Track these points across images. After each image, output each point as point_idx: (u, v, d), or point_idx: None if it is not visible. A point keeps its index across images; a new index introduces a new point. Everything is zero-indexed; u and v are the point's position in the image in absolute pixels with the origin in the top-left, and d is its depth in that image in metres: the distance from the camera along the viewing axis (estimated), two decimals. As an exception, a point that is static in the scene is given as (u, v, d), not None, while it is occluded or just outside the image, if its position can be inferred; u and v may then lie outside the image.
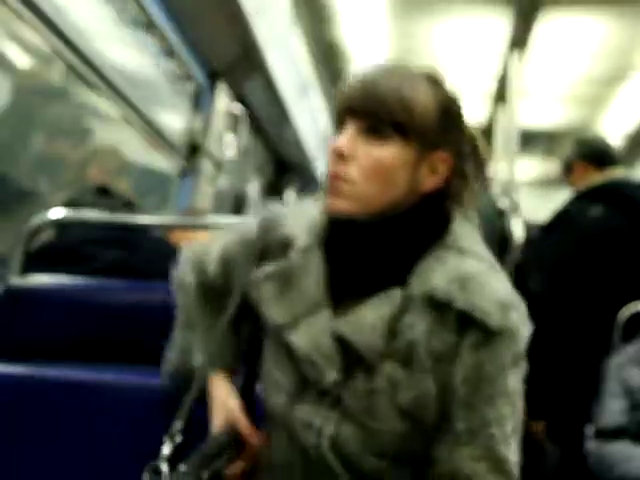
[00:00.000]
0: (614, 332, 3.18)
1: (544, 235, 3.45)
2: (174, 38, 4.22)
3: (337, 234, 1.30)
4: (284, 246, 1.35)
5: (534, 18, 6.02)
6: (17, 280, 2.13)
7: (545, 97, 7.98)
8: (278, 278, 1.32)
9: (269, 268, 1.34)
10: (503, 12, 5.97)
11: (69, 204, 2.59)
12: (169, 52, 4.30)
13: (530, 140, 8.07)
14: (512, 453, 1.21)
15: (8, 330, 1.99)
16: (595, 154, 3.47)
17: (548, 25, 6.15)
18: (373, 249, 1.26)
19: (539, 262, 3.45)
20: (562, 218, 3.38)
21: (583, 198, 3.38)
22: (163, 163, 4.78)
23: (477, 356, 1.20)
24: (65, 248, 2.42)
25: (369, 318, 1.23)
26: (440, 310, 1.21)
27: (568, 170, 3.55)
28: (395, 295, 1.23)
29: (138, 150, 4.43)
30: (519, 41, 6.37)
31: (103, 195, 2.75)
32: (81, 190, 3.14)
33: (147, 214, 2.57)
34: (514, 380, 1.22)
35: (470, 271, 1.23)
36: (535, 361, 3.41)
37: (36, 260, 2.38)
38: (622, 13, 5.92)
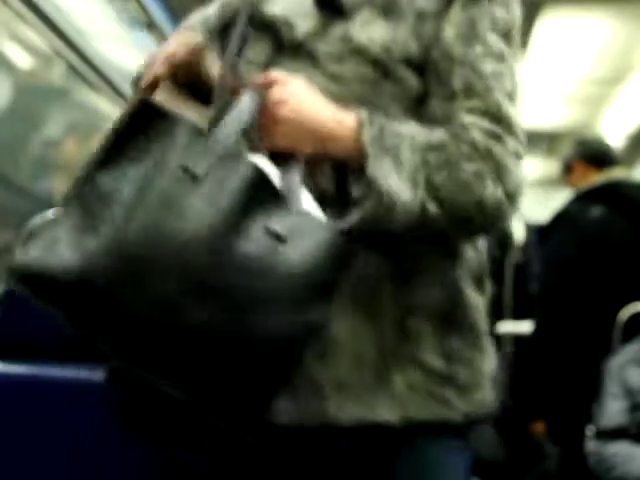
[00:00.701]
0: (614, 332, 3.18)
1: (545, 237, 3.46)
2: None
3: None
4: None
5: (534, 18, 6.02)
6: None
7: (546, 97, 7.98)
8: None
9: None
10: (504, 12, 5.97)
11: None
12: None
13: (531, 140, 8.05)
14: (515, 113, 1.17)
15: (8, 330, 1.99)
16: (595, 154, 3.48)
17: (549, 25, 6.15)
18: None
19: (541, 264, 3.46)
20: (562, 219, 3.39)
21: (583, 198, 3.38)
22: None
23: (467, 13, 1.18)
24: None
25: None
26: None
27: (568, 170, 3.55)
28: None
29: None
30: (519, 41, 6.37)
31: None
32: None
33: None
34: (508, 52, 1.20)
35: None
36: (536, 361, 3.41)
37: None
38: (623, 13, 5.92)
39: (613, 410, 2.72)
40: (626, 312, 3.17)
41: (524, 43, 6.42)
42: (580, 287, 3.24)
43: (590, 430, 2.83)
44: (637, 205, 3.32)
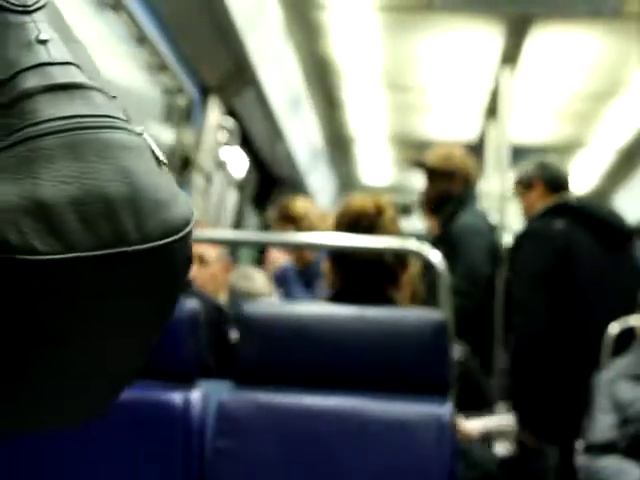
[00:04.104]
0: (603, 347, 3.19)
1: (514, 254, 3.58)
2: (166, 52, 4.23)
3: None
4: None
5: (525, 33, 6.05)
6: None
7: (536, 112, 8.01)
8: None
9: None
10: (495, 27, 6.00)
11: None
12: (161, 66, 4.31)
13: (521, 155, 8.07)
14: None
15: None
16: (555, 179, 3.67)
17: (539, 40, 6.18)
18: None
19: (516, 279, 3.54)
20: (529, 236, 3.53)
21: (546, 214, 3.51)
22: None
23: None
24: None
25: None
26: None
27: (529, 185, 3.68)
28: None
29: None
30: (510, 56, 6.40)
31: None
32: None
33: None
34: None
35: None
36: (525, 376, 3.41)
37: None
38: (613, 29, 5.95)
39: (603, 424, 2.72)
40: (616, 326, 3.18)
41: (515, 58, 6.45)
42: (566, 300, 3.28)
43: (580, 444, 2.83)
44: (597, 218, 3.45)
